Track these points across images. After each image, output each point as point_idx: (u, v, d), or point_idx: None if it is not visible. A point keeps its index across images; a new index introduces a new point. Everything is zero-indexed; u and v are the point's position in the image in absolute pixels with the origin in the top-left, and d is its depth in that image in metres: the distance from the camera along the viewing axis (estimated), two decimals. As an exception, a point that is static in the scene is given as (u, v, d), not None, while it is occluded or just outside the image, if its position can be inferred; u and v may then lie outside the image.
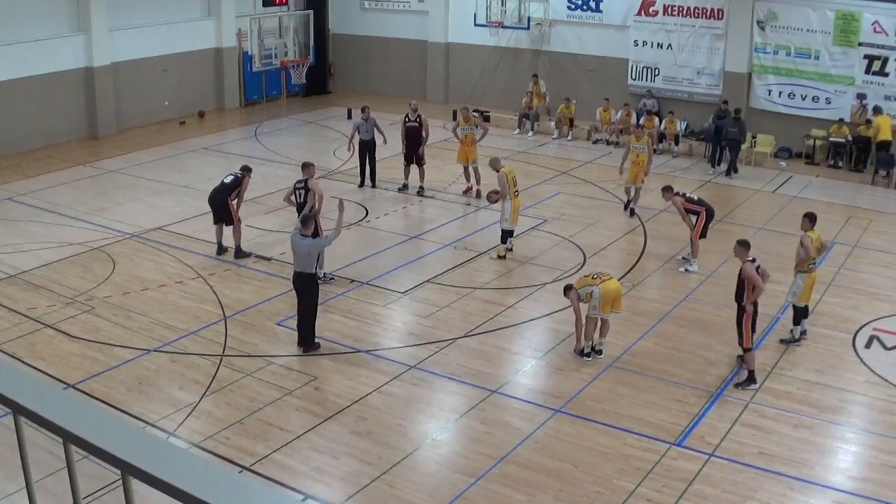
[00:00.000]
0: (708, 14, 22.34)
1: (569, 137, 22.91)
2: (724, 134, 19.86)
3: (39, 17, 21.01)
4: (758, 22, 21.64)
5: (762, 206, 17.90)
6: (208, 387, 10.24)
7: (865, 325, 12.16)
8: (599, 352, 11.10)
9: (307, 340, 11.10)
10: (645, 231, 15.90)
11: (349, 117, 24.70)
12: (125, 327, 11.80)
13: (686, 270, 14.00)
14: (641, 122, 21.80)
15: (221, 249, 14.40)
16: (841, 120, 20.55)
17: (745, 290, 10.32)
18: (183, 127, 24.15)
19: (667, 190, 14.11)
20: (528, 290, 13.23)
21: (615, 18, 23.81)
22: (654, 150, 19.41)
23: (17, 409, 1.60)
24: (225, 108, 26.01)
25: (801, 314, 11.56)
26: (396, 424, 9.58)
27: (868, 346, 11.59)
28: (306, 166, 13.55)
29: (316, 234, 12.35)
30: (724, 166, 20.16)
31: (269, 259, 14.20)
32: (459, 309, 12.52)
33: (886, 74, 20.14)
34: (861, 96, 20.49)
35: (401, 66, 27.98)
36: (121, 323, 11.94)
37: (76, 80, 22.03)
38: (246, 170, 14.48)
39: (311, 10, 27.81)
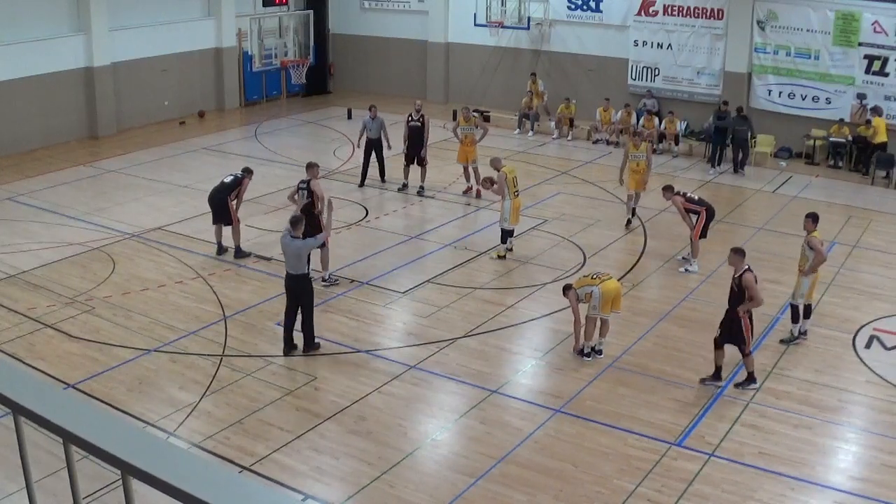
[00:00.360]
0: (708, 14, 22.35)
1: (569, 137, 22.92)
2: (730, 132, 20.01)
3: (39, 17, 21.01)
4: (758, 22, 21.64)
5: (762, 206, 17.91)
6: (208, 387, 10.24)
7: (865, 325, 12.16)
8: (599, 352, 11.10)
9: (307, 341, 11.08)
10: (645, 231, 15.90)
11: (349, 117, 24.74)
12: (125, 327, 11.80)
13: (686, 270, 14.00)
14: (641, 122, 21.84)
15: (221, 249, 14.40)
16: (841, 120, 20.55)
17: (741, 299, 10.08)
18: (183, 127, 24.15)
19: (667, 189, 14.10)
20: (528, 290, 13.23)
21: (615, 18, 23.81)
22: (654, 150, 19.42)
23: (17, 409, 1.60)
24: (225, 108, 26.01)
25: (803, 313, 11.54)
26: (396, 424, 9.58)
27: (868, 346, 11.59)
28: (310, 166, 13.52)
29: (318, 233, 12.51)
30: (723, 167, 20.18)
31: (268, 259, 14.19)
32: (459, 309, 12.52)
33: (886, 74, 20.15)
34: (861, 96, 20.49)
35: (401, 66, 27.98)
36: (121, 323, 11.94)
37: (76, 80, 22.04)
38: (247, 171, 14.50)
39: (311, 10, 27.81)
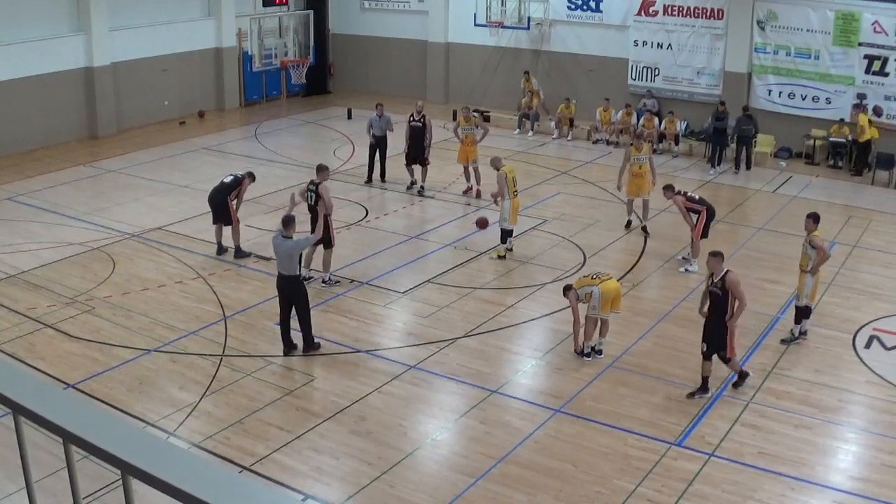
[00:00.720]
0: (708, 14, 22.35)
1: (569, 137, 22.92)
2: (735, 131, 20.10)
3: (39, 17, 21.01)
4: (758, 22, 21.64)
5: (762, 206, 17.91)
6: (208, 387, 10.24)
7: (865, 325, 12.16)
8: (599, 352, 11.10)
9: (305, 342, 11.08)
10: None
11: (349, 117, 24.75)
12: (125, 327, 11.81)
13: (686, 270, 14.00)
14: (641, 122, 21.84)
15: (221, 249, 14.40)
16: (841, 120, 20.54)
17: (726, 303, 9.86)
18: (183, 127, 24.15)
19: (668, 189, 14.10)
20: (528, 290, 13.23)
21: (615, 18, 23.81)
22: (654, 150, 19.41)
23: (17, 409, 1.60)
24: (225, 108, 26.00)
25: (804, 313, 11.54)
26: (396, 424, 9.58)
27: (868, 346, 11.59)
28: (321, 169, 13.40)
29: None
30: (723, 167, 20.19)
31: (268, 259, 14.16)
32: (459, 309, 12.52)
33: (886, 74, 20.14)
34: (861, 96, 20.50)
35: (401, 66, 27.98)
36: (121, 323, 11.94)
37: (76, 80, 22.03)
38: (250, 175, 14.51)
39: (311, 10, 27.80)
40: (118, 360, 10.84)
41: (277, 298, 11.11)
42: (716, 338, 10.00)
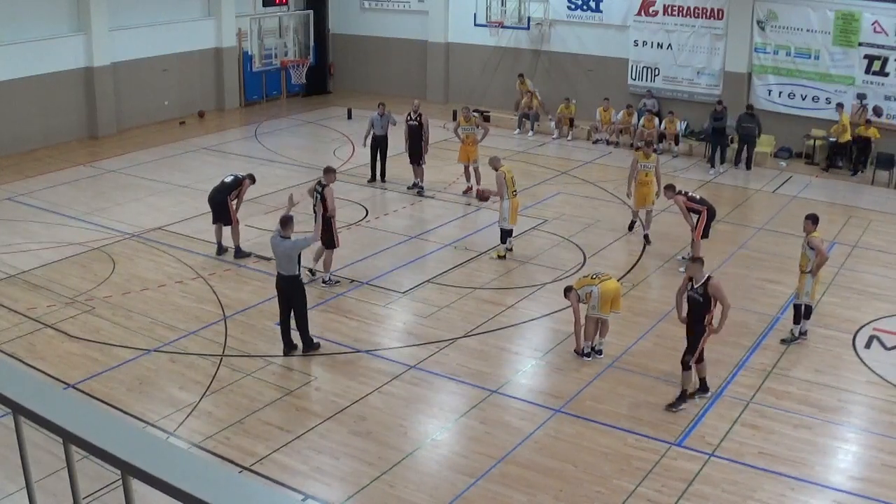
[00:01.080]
0: (708, 14, 22.34)
1: (569, 137, 22.92)
2: (737, 131, 20.18)
3: (39, 17, 21.01)
4: (758, 22, 21.64)
5: (762, 206, 17.92)
6: (208, 387, 10.24)
7: (865, 325, 12.16)
8: (599, 352, 11.10)
9: (304, 342, 11.07)
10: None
11: (349, 117, 24.76)
12: (125, 327, 11.80)
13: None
14: (641, 122, 21.84)
15: (221, 249, 14.40)
16: (841, 120, 20.57)
17: (708, 309, 9.74)
18: (183, 127, 24.14)
19: (669, 188, 14.08)
20: (528, 290, 13.23)
21: (615, 18, 23.80)
22: (654, 150, 19.37)
23: (17, 409, 1.60)
24: (225, 108, 26.00)
25: (805, 313, 11.54)
26: (396, 424, 9.58)
27: (868, 346, 11.59)
28: (328, 171, 13.37)
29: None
30: (723, 167, 20.20)
31: (269, 259, 14.15)
32: (459, 309, 12.52)
33: (886, 74, 20.14)
34: (861, 96, 20.50)
35: (401, 66, 27.98)
36: (121, 323, 11.94)
37: (76, 80, 22.03)
38: (250, 177, 14.51)
39: (311, 10, 27.80)
40: (118, 360, 10.84)
41: (277, 298, 11.11)
42: (691, 341, 9.88)
